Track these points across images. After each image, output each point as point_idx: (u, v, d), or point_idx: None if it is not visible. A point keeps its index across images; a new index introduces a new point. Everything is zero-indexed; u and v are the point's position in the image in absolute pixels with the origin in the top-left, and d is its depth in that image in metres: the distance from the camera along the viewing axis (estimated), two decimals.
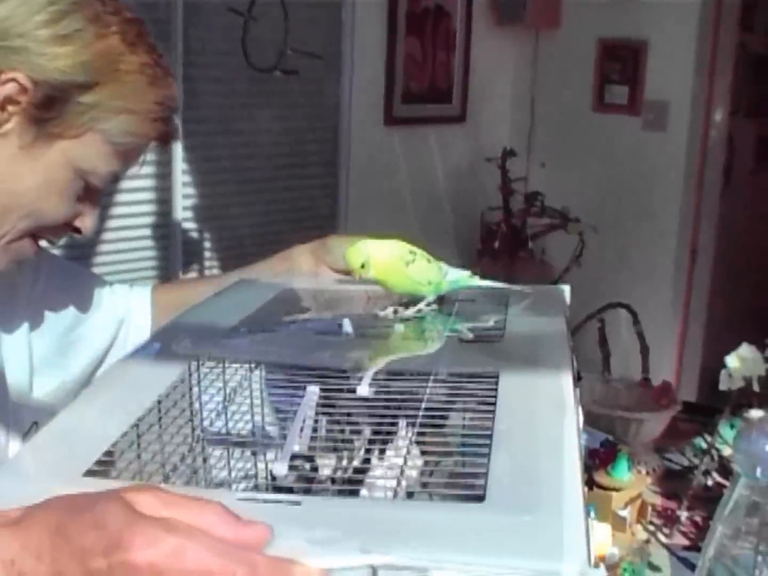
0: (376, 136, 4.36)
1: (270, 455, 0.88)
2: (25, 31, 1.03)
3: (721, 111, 4.52)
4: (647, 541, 1.56)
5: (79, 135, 1.08)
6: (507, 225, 4.36)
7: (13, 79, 1.03)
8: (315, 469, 0.84)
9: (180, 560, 0.53)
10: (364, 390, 0.83)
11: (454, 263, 3.90)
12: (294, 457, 0.78)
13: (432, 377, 0.86)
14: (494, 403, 0.78)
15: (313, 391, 0.86)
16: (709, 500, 1.63)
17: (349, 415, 0.90)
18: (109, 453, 0.72)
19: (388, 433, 0.88)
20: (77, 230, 1.17)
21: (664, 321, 4.40)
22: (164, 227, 3.70)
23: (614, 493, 1.61)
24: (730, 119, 4.61)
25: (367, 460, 0.87)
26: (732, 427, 1.78)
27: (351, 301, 1.20)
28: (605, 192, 4.59)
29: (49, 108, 1.05)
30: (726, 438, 1.75)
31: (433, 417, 0.80)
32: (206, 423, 0.85)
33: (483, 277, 1.19)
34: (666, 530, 1.61)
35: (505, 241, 4.32)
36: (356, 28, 4.13)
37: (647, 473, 1.77)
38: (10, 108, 1.04)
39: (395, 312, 1.08)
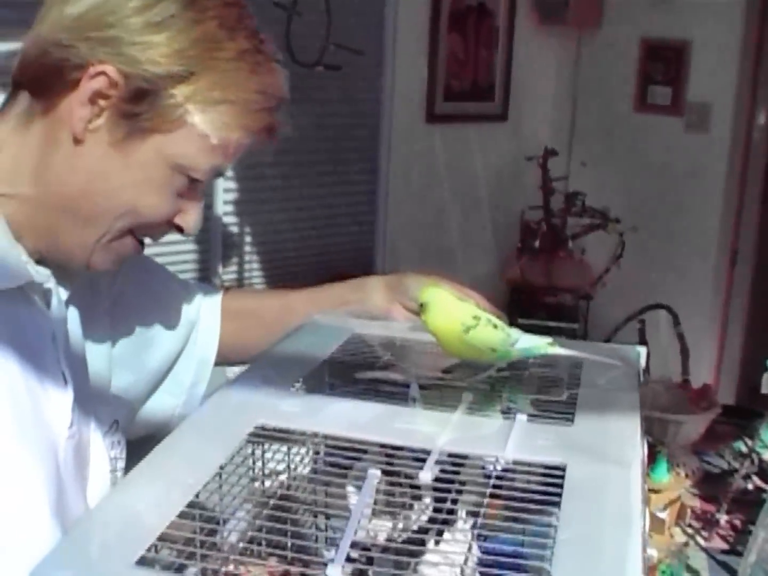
0: (418, 134, 4.35)
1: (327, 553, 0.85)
2: (115, 20, 0.99)
3: (764, 112, 4.48)
4: (686, 544, 1.55)
5: (174, 129, 1.02)
6: (547, 224, 4.35)
7: (102, 73, 0.99)
8: (370, 561, 0.82)
9: None
10: (426, 476, 0.81)
11: (494, 261, 3.92)
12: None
13: (496, 463, 0.84)
14: (559, 504, 0.76)
15: (374, 474, 0.83)
16: (748, 504, 1.62)
17: (408, 497, 0.89)
18: (162, 537, 0.72)
19: (444, 521, 0.87)
20: (179, 228, 1.11)
21: (703, 323, 4.37)
22: (204, 221, 3.71)
23: (653, 495, 1.60)
24: None
25: (422, 542, 0.86)
26: None
27: (422, 354, 1.15)
28: (646, 193, 4.57)
29: (140, 102, 1.00)
30: (766, 442, 1.74)
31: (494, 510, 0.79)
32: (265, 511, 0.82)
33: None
34: (704, 533, 1.60)
35: (545, 241, 4.31)
36: (399, 24, 4.13)
37: (686, 475, 1.76)
38: (101, 102, 1.00)
39: (463, 376, 1.06)
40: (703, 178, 4.42)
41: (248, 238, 3.94)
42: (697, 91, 4.41)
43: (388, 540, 0.87)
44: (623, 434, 0.90)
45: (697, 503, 1.71)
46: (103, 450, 1.17)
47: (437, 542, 0.87)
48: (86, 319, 1.19)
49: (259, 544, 0.82)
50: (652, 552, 1.43)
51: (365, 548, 0.80)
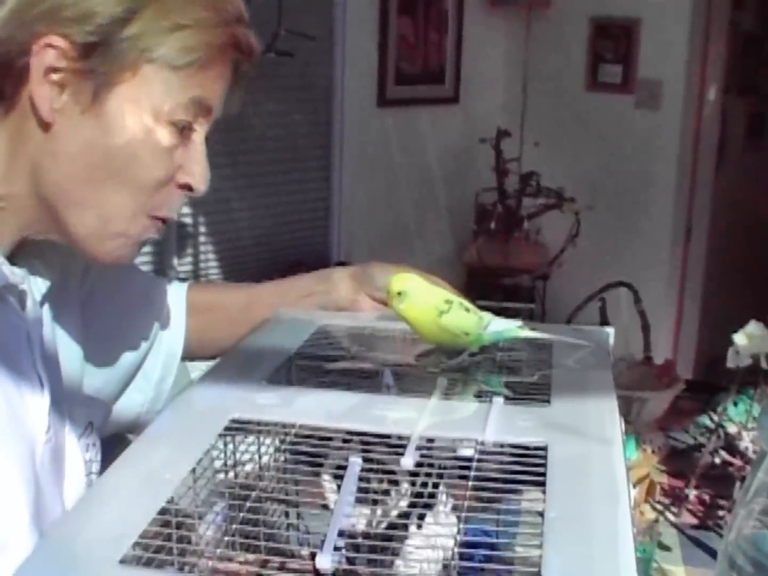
0: (370, 118, 4.35)
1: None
2: None
3: (714, 89, 4.51)
4: (656, 521, 1.55)
5: (137, 73, 0.98)
6: (502, 206, 4.36)
7: (47, 45, 0.95)
8: (357, 549, 0.80)
9: None
10: (407, 462, 0.80)
11: (449, 245, 3.92)
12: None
13: (477, 446, 0.82)
14: (544, 483, 0.75)
15: (356, 462, 0.82)
16: (716, 478, 1.63)
17: (390, 482, 0.87)
18: (144, 535, 0.70)
19: (426, 505, 0.86)
20: (189, 188, 1.05)
21: (660, 299, 4.41)
22: None
23: None
24: (723, 97, 4.61)
25: (404, 527, 0.85)
26: (736, 405, 1.78)
27: (391, 343, 1.14)
28: (600, 171, 4.60)
29: (93, 56, 0.96)
30: (731, 416, 1.74)
31: (480, 491, 0.77)
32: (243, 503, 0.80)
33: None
34: (674, 509, 1.60)
35: (500, 222, 4.32)
36: (348, 8, 4.11)
37: (653, 452, 1.76)
38: (56, 77, 0.97)
39: (436, 362, 1.05)
40: (656, 155, 4.45)
41: (202, 228, 3.92)
42: (648, 69, 4.43)
43: (370, 526, 0.85)
44: (602, 412, 0.90)
45: (665, 479, 1.71)
46: (78, 453, 1.15)
47: (419, 526, 0.86)
48: (57, 319, 1.16)
49: (240, 536, 0.80)
50: None
51: (351, 536, 0.78)
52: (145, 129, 1.00)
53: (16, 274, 1.04)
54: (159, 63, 0.98)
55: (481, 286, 4.45)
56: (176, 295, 1.40)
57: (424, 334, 1.04)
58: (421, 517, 0.85)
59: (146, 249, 3.67)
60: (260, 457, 0.90)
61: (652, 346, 2.94)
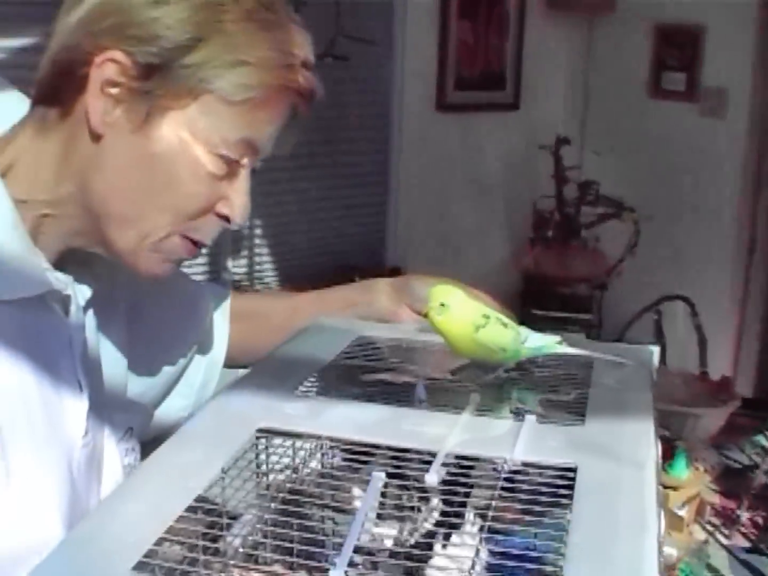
0: (428, 123, 4.32)
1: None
2: (115, 8, 0.97)
3: None
4: (705, 542, 1.50)
5: (192, 101, 0.98)
6: (560, 214, 4.30)
7: (108, 59, 0.96)
8: (375, 566, 0.78)
9: None
10: (432, 479, 0.78)
11: (506, 252, 3.89)
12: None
13: (505, 465, 0.80)
14: (570, 506, 0.73)
15: (379, 477, 0.80)
16: None
17: (416, 499, 0.85)
18: (159, 542, 0.69)
19: (451, 525, 0.84)
20: (225, 218, 1.06)
21: (719, 313, 4.31)
22: None
23: (671, 492, 1.56)
24: None
25: (429, 546, 0.82)
26: None
27: (429, 356, 1.12)
28: (661, 181, 4.51)
29: (151, 78, 0.97)
30: None
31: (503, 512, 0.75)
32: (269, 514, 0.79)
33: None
34: (725, 531, 1.55)
35: (558, 230, 4.27)
36: (408, 12, 4.09)
37: (705, 471, 1.71)
38: (113, 91, 0.97)
39: (472, 377, 1.02)
40: (720, 165, 4.36)
41: (258, 231, 3.92)
42: (713, 77, 4.34)
43: (395, 544, 0.82)
44: (636, 434, 0.86)
45: (717, 499, 1.66)
46: (116, 457, 1.15)
47: (444, 546, 0.83)
48: (103, 325, 1.17)
49: (264, 548, 0.78)
50: (671, 550, 1.39)
51: (370, 553, 0.76)
52: (192, 157, 1.00)
53: (60, 280, 1.05)
54: (215, 95, 0.98)
55: (538, 295, 4.40)
56: (220, 302, 1.41)
57: (460, 348, 1.02)
58: (447, 536, 0.82)
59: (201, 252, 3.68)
60: (296, 465, 0.87)
61: (710, 361, 2.88)
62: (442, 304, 1.00)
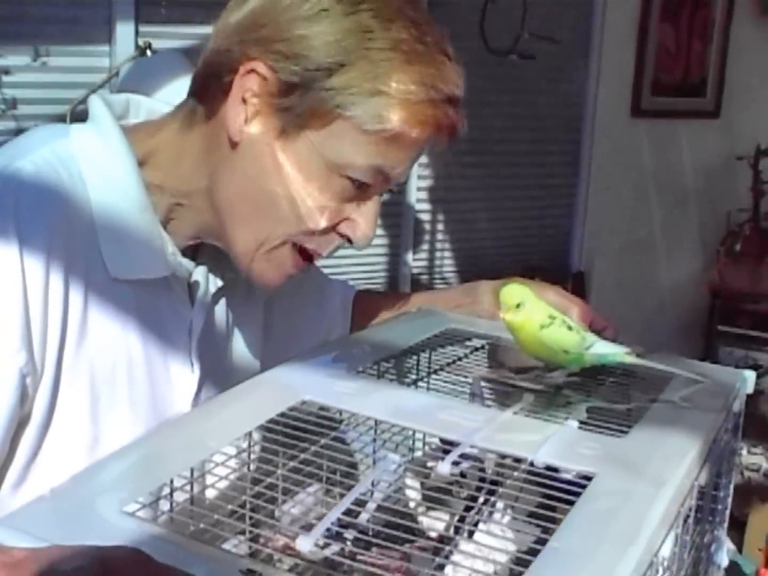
0: (622, 128, 4.22)
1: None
2: (268, 20, 0.99)
3: None
4: None
5: (327, 123, 0.99)
6: (755, 228, 4.12)
7: (252, 70, 1.00)
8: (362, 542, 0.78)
9: None
10: (444, 468, 0.78)
11: (696, 264, 3.76)
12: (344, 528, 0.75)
13: (525, 466, 0.79)
14: (567, 512, 0.71)
15: (393, 459, 0.81)
16: None
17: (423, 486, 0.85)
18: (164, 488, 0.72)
19: (465, 517, 0.84)
20: (347, 238, 1.07)
21: None
22: (397, 206, 3.73)
23: None
24: None
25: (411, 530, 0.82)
26: None
27: (506, 353, 1.11)
28: None
29: (291, 95, 0.99)
30: None
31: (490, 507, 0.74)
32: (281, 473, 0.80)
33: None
34: None
35: (748, 244, 4.09)
36: (607, 14, 4.01)
37: None
38: (253, 101, 1.01)
39: (534, 377, 1.01)
40: None
41: (440, 227, 3.93)
42: None
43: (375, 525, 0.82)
44: (673, 453, 0.82)
45: None
46: None
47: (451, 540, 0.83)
48: (241, 314, 1.23)
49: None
50: None
51: (362, 531, 0.76)
52: (320, 177, 1.02)
53: (183, 266, 1.10)
54: (351, 121, 0.99)
55: (726, 311, 4.24)
56: (346, 300, 1.44)
57: (527, 347, 1.00)
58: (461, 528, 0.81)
59: (381, 242, 3.73)
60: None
61: None
62: (518, 305, 0.99)
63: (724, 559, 1.10)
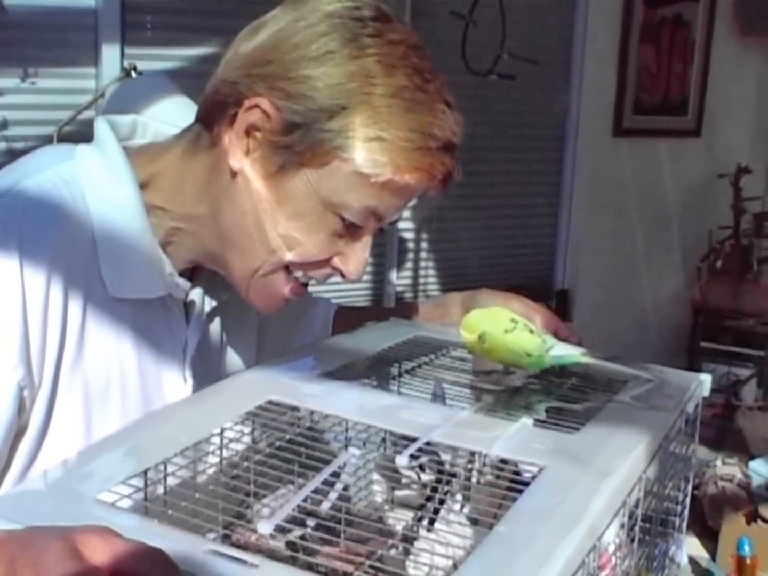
0: (604, 147, 4.27)
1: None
2: (275, 56, 1.02)
3: None
4: None
5: (325, 163, 1.02)
6: (736, 245, 4.17)
7: (256, 106, 1.02)
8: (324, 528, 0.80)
9: None
10: (402, 460, 0.81)
11: (679, 281, 3.77)
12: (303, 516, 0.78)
13: (479, 459, 0.83)
14: (515, 500, 0.74)
15: (353, 453, 0.84)
16: None
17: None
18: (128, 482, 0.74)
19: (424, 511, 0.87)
20: (341, 273, 1.10)
21: None
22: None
23: None
24: None
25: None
26: None
27: (470, 360, 1.14)
28: None
29: (292, 134, 1.01)
30: None
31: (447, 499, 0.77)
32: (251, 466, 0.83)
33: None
34: None
35: (729, 262, 4.13)
36: (588, 34, 4.07)
37: None
38: (256, 135, 1.04)
39: (494, 380, 1.04)
40: None
41: (424, 245, 3.96)
42: None
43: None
44: (621, 447, 0.85)
45: None
46: None
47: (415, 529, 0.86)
48: (235, 330, 1.27)
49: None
50: None
51: (326, 520, 0.79)
52: (315, 213, 1.05)
53: (180, 286, 1.14)
54: (348, 163, 1.02)
55: (708, 327, 4.28)
56: (326, 315, 1.47)
57: (491, 353, 1.04)
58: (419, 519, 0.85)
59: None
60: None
61: None
62: (480, 336, 1.02)
63: (683, 558, 1.14)
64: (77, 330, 1.05)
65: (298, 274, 1.10)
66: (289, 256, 1.07)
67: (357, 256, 1.09)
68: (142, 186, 1.10)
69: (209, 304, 1.20)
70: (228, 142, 1.05)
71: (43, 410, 1.03)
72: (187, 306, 1.17)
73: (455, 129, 1.05)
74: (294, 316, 1.40)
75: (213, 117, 1.07)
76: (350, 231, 1.07)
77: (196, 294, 1.17)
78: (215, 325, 1.24)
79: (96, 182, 1.08)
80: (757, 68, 4.59)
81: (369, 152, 1.01)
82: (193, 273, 1.18)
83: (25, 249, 1.00)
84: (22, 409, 1.01)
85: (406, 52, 1.03)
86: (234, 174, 1.05)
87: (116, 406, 1.09)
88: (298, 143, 1.01)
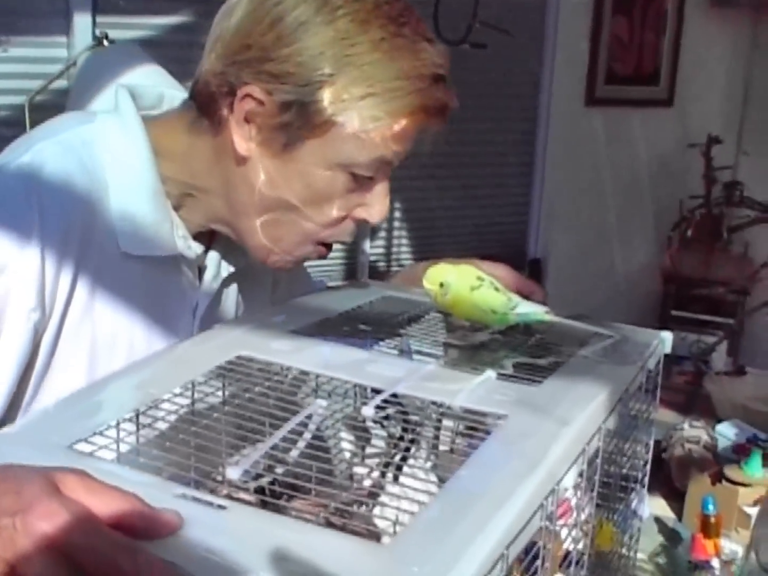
0: (576, 117, 4.29)
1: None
2: (252, 41, 1.04)
3: None
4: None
5: (326, 131, 1.05)
6: (707, 214, 4.20)
7: (248, 95, 1.05)
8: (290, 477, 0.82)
9: (68, 537, 0.58)
10: (368, 411, 0.83)
11: (651, 250, 3.78)
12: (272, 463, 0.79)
13: (442, 409, 0.85)
14: (477, 448, 0.76)
15: (319, 404, 0.86)
16: None
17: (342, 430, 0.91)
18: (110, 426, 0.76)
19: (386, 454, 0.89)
20: (364, 220, 1.14)
21: None
22: None
23: (741, 489, 1.55)
24: None
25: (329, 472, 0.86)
26: None
27: (441, 319, 1.16)
28: None
29: (288, 112, 1.04)
30: None
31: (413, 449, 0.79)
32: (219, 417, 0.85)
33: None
34: None
35: (699, 231, 4.16)
36: (561, 5, 4.07)
37: None
38: (256, 120, 1.07)
39: (461, 336, 1.06)
40: None
41: (397, 214, 3.97)
42: None
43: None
44: (581, 398, 0.88)
45: None
46: None
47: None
48: (248, 298, 1.31)
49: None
50: (737, 548, 1.39)
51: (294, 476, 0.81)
52: (327, 179, 1.08)
53: (192, 248, 1.17)
54: (347, 126, 1.05)
55: (678, 296, 4.32)
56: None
57: (456, 309, 1.06)
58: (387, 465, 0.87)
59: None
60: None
61: None
62: (441, 284, 1.04)
63: (645, 511, 1.16)
64: (90, 281, 1.09)
65: (324, 234, 1.14)
66: (309, 225, 1.11)
67: (379, 201, 1.13)
68: (155, 154, 1.13)
69: (226, 269, 1.24)
70: (230, 130, 1.08)
71: (48, 348, 1.07)
72: (202, 270, 1.21)
73: (440, 61, 1.08)
74: (302, 289, 1.41)
75: (210, 108, 1.10)
76: (364, 184, 1.10)
77: (210, 258, 1.21)
78: (231, 290, 1.27)
79: (112, 145, 1.12)
80: (728, 39, 4.60)
81: (364, 110, 1.04)
82: (210, 239, 1.22)
83: (44, 203, 1.05)
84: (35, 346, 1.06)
85: (376, 2, 1.05)
86: (240, 161, 1.09)
87: (122, 357, 1.12)
88: (296, 120, 1.05)
